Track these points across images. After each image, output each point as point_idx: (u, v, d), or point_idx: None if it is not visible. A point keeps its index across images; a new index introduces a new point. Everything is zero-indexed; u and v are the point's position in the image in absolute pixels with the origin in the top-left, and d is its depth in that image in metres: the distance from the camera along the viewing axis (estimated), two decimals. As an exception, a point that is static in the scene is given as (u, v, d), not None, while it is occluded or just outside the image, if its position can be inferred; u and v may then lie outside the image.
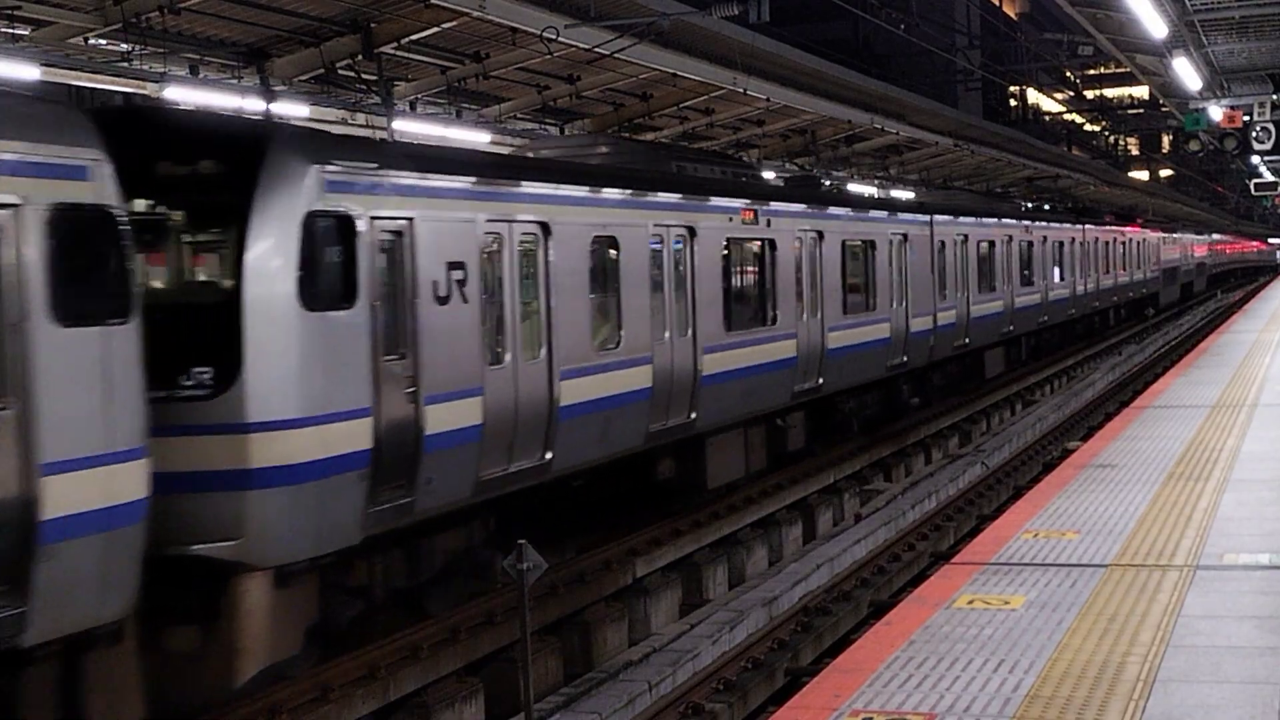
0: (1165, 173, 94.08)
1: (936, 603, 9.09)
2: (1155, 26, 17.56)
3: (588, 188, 14.54)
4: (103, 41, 15.13)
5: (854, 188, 31.90)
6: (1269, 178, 45.53)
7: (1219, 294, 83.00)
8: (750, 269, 18.57)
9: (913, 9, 36.81)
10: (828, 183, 28.99)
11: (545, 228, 13.41)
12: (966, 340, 27.97)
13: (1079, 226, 40.29)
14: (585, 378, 13.95)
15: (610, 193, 14.94)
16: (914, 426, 25.81)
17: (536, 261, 13.36)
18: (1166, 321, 57.27)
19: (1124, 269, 47.84)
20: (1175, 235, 63.49)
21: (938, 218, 26.36)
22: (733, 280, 17.61)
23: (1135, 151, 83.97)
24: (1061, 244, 37.37)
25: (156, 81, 15.19)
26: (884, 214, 23.65)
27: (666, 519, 16.85)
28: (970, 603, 9.04)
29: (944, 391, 28.43)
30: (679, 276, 16.17)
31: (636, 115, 24.10)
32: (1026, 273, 33.37)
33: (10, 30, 14.42)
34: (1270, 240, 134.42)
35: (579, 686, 12.40)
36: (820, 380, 20.04)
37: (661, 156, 17.68)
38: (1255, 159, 38.04)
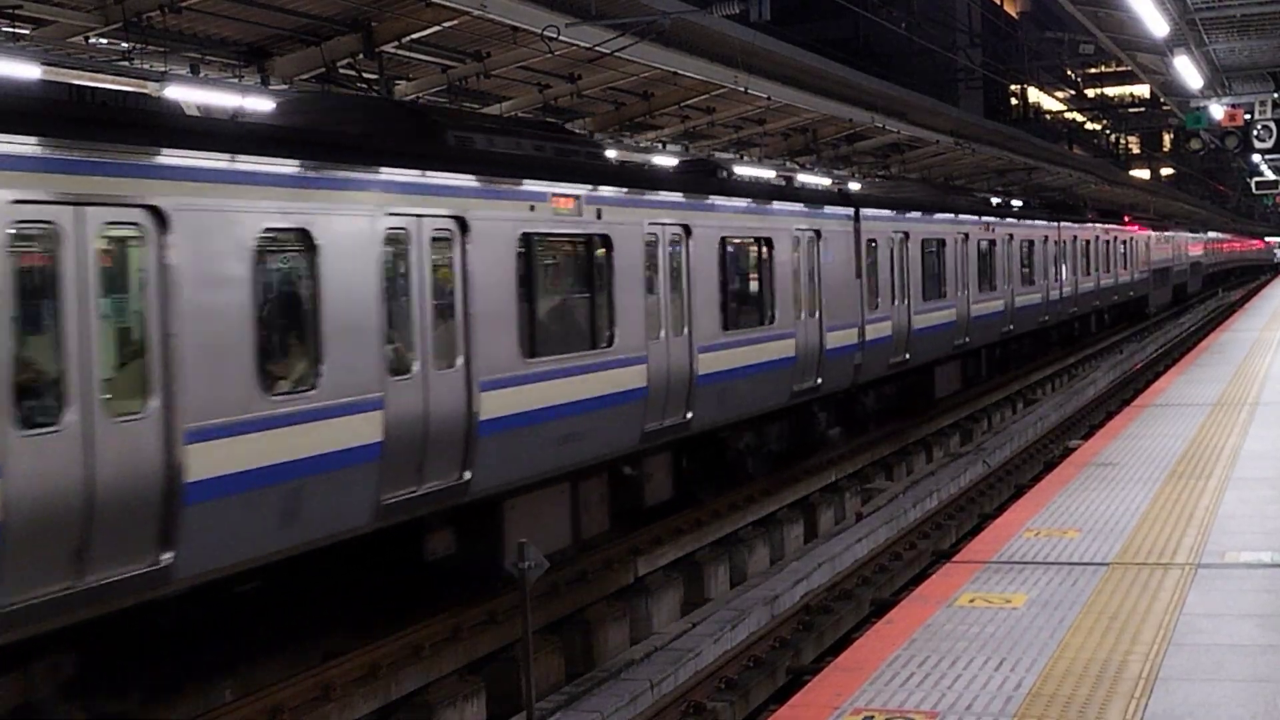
0: (1166, 171, 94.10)
1: (938, 601, 9.08)
2: (1156, 25, 17.56)
3: (253, 160, 10.04)
4: (103, 41, 15.14)
5: (758, 173, 27.77)
6: (1270, 176, 45.56)
7: (1220, 292, 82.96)
8: (568, 275, 14.69)
9: (914, 8, 36.84)
10: (730, 172, 25.44)
11: (160, 215, 9.18)
12: (907, 356, 23.92)
13: (1053, 224, 36.74)
14: (244, 437, 9.68)
15: (299, 169, 10.49)
16: (915, 425, 25.80)
17: (146, 267, 9.15)
18: (1167, 320, 57.22)
19: (1107, 270, 44.40)
20: (1167, 233, 60.49)
21: (867, 212, 22.28)
22: (536, 290, 13.45)
23: (1136, 150, 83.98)
24: (1031, 243, 33.78)
25: (157, 81, 15.18)
26: (786, 206, 19.37)
27: (667, 518, 16.85)
28: (972, 601, 9.04)
29: (880, 417, 24.75)
30: (439, 286, 11.93)
31: (637, 114, 24.12)
32: (987, 276, 29.74)
33: (11, 29, 14.43)
34: (1268, 239, 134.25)
35: (580, 685, 12.40)
36: (688, 414, 15.93)
37: (435, 125, 13.13)
38: (1256, 157, 38.07)
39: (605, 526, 15.10)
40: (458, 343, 12.04)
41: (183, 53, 15.89)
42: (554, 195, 13.65)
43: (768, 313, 18.43)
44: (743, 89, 22.48)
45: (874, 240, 22.46)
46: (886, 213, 23.53)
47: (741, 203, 18.02)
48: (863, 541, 17.30)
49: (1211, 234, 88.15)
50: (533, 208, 13.29)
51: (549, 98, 21.70)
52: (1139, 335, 49.45)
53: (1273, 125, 24.49)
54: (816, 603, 14.63)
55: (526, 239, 13.18)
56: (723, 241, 17.11)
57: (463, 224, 12.19)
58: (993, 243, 30.13)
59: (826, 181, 31.00)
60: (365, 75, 17.87)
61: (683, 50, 20.39)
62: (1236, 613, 8.53)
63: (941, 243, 26.41)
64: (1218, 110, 24.67)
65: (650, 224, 15.50)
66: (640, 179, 16.16)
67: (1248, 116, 24.39)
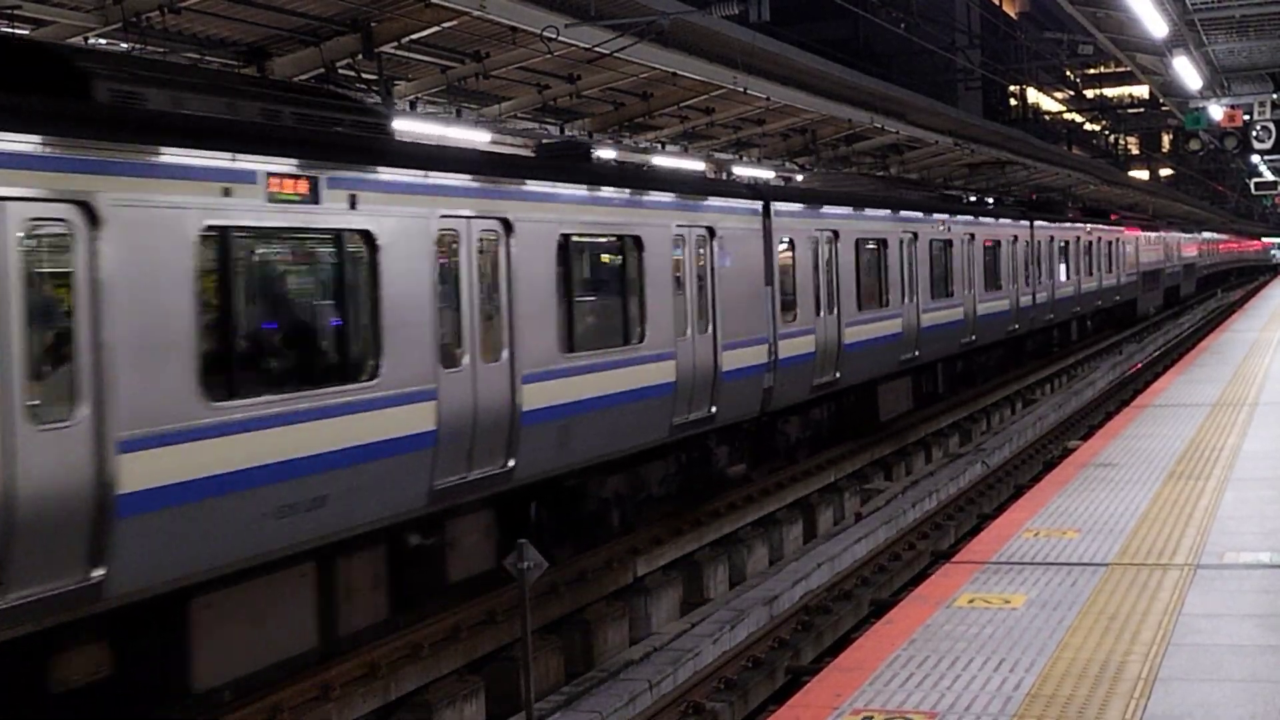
0: (1165, 172, 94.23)
1: (937, 601, 9.09)
2: (1155, 26, 17.57)
3: None
4: (103, 41, 15.14)
5: (760, 173, 25.14)
6: (1269, 177, 45.61)
7: (1219, 293, 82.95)
8: (297, 285, 11.24)
9: (913, 8, 36.83)
10: (610, 154, 21.07)
11: None
12: (837, 375, 20.65)
13: (1024, 223, 33.29)
14: None
15: None
16: (914, 426, 25.80)
17: None
18: (1167, 320, 57.20)
19: (1090, 273, 41.02)
20: (1159, 233, 57.23)
21: (780, 206, 18.97)
22: (233, 307, 9.92)
23: (1135, 151, 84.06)
24: (998, 244, 30.51)
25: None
26: (664, 198, 15.92)
27: (668, 518, 16.87)
28: (971, 602, 9.04)
29: (809, 445, 21.62)
30: (40, 305, 8.60)
31: (637, 114, 24.13)
32: (942, 281, 26.37)
33: (10, 30, 14.42)
34: (1265, 239, 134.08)
35: (580, 685, 12.41)
36: (509, 462, 12.61)
37: (78, 73, 9.44)
38: (1255, 158, 38.11)
39: (383, 615, 11.72)
40: (79, 386, 8.64)
41: (182, 53, 15.88)
42: (271, 175, 10.07)
43: (635, 330, 15.14)
44: (742, 89, 22.49)
45: (790, 240, 19.22)
46: (808, 207, 20.18)
47: (595, 192, 14.56)
48: (862, 542, 17.31)
49: (1206, 234, 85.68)
50: (228, 191, 9.74)
51: (548, 98, 21.71)
52: (1138, 336, 49.42)
53: (1272, 126, 24.51)
54: (816, 603, 14.63)
55: (219, 235, 9.71)
56: (565, 241, 13.77)
57: (90, 213, 8.74)
58: (949, 243, 26.83)
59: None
60: (365, 75, 17.88)
61: (682, 51, 20.40)
62: (1235, 613, 8.54)
63: (883, 243, 23.10)
64: (1217, 111, 24.69)
65: (444, 216, 11.98)
66: (427, 158, 12.18)
67: (1247, 117, 24.40)
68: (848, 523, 19.43)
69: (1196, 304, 70.37)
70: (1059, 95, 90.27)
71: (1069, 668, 7.57)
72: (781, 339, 18.58)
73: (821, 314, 20.20)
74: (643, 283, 15.23)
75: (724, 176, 24.12)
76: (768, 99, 24.24)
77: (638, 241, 15.21)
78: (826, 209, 20.90)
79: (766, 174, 27.50)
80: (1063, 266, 37.39)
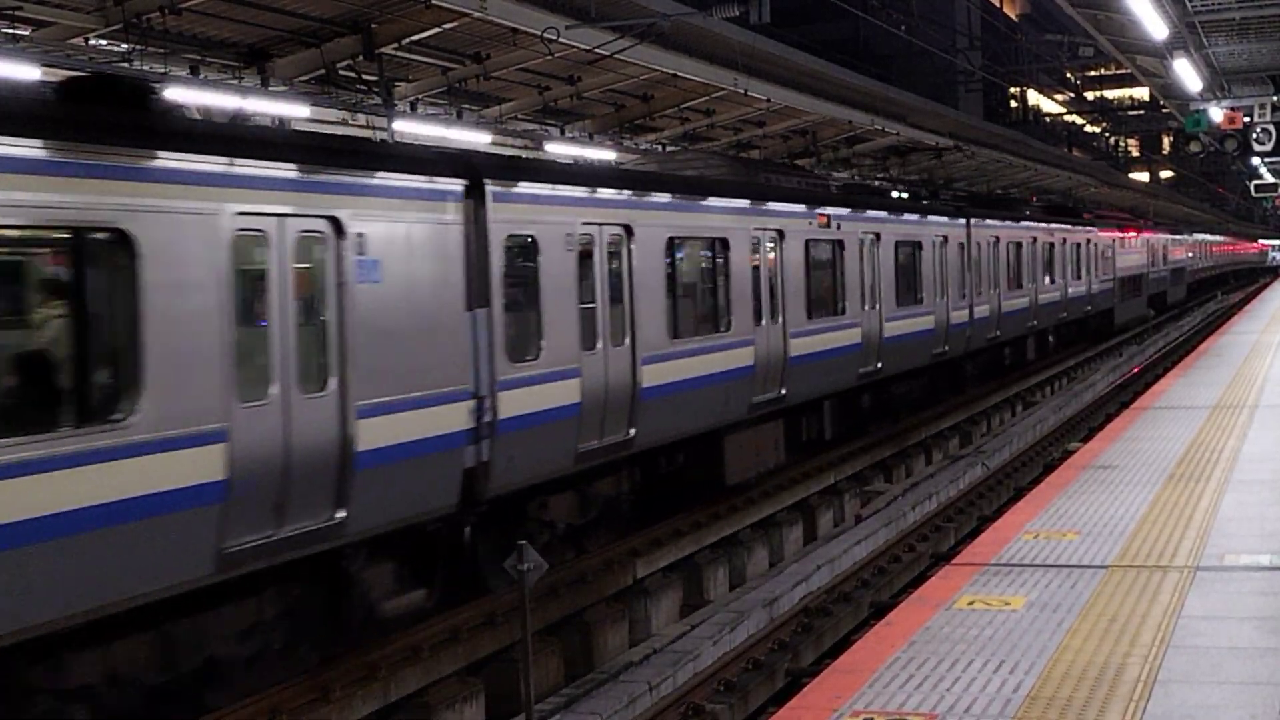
0: (1166, 174, 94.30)
1: (937, 603, 9.09)
2: (1156, 28, 17.58)
3: None
4: (103, 42, 15.15)
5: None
6: (1269, 179, 45.63)
7: (1219, 295, 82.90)
8: None
9: (913, 10, 36.85)
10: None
11: None
12: (630, 433, 14.75)
13: (956, 221, 27.25)
14: None
15: None
16: (914, 427, 25.80)
17: None
18: (1167, 323, 57.17)
19: (1052, 281, 35.31)
20: (1140, 234, 51.78)
21: (501, 189, 12.69)
22: None
23: (1136, 153, 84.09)
24: (917, 246, 24.61)
25: (157, 82, 15.19)
26: (195, 166, 9.35)
27: (667, 519, 16.86)
28: (971, 604, 9.04)
29: (600, 529, 15.57)
30: None
31: (637, 116, 24.14)
32: (828, 294, 20.60)
33: (11, 30, 14.43)
34: (1263, 241, 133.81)
35: (580, 687, 12.41)
36: None
37: None
38: (1255, 160, 38.16)
39: None
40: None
41: (182, 54, 15.89)
42: None
43: (120, 400, 8.84)
44: (742, 91, 22.50)
45: (530, 240, 13.23)
46: (561, 191, 13.87)
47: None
48: (862, 544, 17.30)
49: (1198, 235, 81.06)
50: None
51: (549, 99, 21.72)
52: (1138, 338, 49.39)
53: (1272, 128, 24.55)
54: (815, 605, 14.63)
55: None
56: None
57: None
58: (839, 244, 20.95)
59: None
60: (365, 76, 17.89)
61: (682, 52, 20.42)
62: (1235, 615, 8.53)
63: (721, 243, 17.15)
64: (1217, 113, 24.71)
65: None
66: None
67: (1247, 119, 24.43)
68: (848, 524, 19.42)
69: (1196, 307, 70.22)
70: (1059, 97, 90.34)
71: (1069, 670, 7.57)
72: (507, 389, 12.60)
73: (599, 347, 14.34)
74: (137, 312, 8.92)
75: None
76: (768, 101, 24.26)
77: (125, 242, 8.87)
78: (606, 194, 14.68)
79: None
80: (1014, 273, 31.68)
